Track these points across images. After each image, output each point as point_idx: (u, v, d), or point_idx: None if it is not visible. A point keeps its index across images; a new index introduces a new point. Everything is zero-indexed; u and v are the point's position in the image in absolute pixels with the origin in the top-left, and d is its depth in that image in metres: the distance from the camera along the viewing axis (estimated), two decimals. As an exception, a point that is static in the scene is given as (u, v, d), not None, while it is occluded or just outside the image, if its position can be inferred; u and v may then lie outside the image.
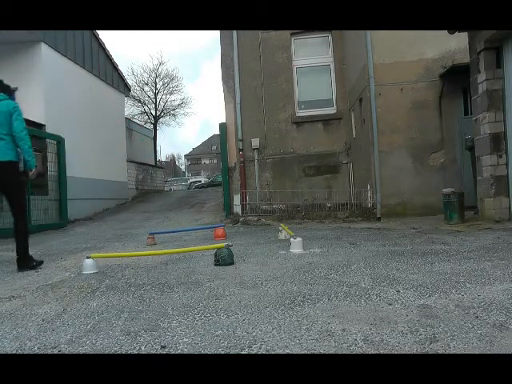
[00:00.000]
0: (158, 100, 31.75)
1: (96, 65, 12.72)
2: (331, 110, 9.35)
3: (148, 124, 30.45)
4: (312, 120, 9.25)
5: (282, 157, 9.27)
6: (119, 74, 14.63)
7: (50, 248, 5.65)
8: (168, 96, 32.32)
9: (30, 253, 4.04)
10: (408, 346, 1.57)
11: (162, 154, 54.16)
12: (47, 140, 9.36)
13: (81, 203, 10.87)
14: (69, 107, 10.62)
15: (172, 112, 33.28)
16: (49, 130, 9.61)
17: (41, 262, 4.04)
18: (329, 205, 8.55)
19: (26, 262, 3.94)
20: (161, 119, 32.73)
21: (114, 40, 58.75)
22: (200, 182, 34.70)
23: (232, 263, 3.51)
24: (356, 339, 1.66)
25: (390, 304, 2.11)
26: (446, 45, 7.08)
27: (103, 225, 9.51)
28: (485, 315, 1.86)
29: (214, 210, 10.80)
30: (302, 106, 9.46)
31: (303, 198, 8.91)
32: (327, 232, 5.85)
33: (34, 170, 4.09)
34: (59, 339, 1.88)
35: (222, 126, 9.49)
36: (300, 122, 9.28)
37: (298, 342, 1.67)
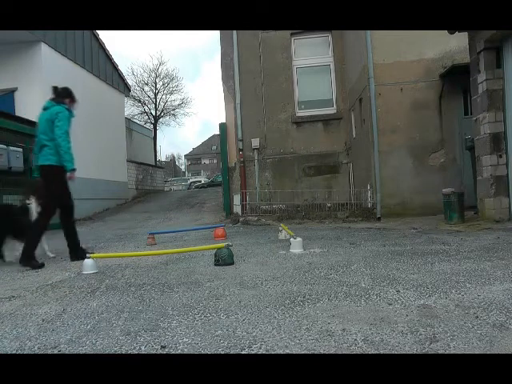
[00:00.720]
0: (158, 100, 31.78)
1: (96, 65, 12.72)
2: (331, 110, 9.35)
3: (148, 124, 30.47)
4: (312, 120, 9.24)
5: (282, 157, 9.27)
6: (119, 74, 14.63)
7: (50, 248, 5.63)
8: (168, 96, 32.36)
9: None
10: (408, 346, 1.57)
11: (162, 154, 54.13)
12: (47, 140, 9.35)
13: (81, 203, 10.84)
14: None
15: (172, 112, 33.31)
16: (49, 130, 9.60)
17: (42, 264, 4.08)
18: (329, 205, 8.55)
19: (29, 260, 4.02)
20: (161, 119, 32.75)
21: (114, 40, 58.73)
22: (200, 182, 34.71)
23: (232, 263, 3.51)
24: (356, 339, 1.65)
25: (390, 304, 2.11)
26: (446, 45, 7.08)
27: (103, 225, 9.51)
28: (485, 315, 1.86)
29: (214, 210, 10.80)
30: (302, 106, 9.45)
31: (303, 198, 8.91)
32: (327, 232, 5.84)
33: (71, 173, 4.33)
34: (59, 339, 1.88)
35: (222, 126, 9.49)
36: (300, 122, 9.28)
37: (297, 341, 1.67)
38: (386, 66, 7.24)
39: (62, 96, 4.43)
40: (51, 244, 4.92)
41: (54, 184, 4.31)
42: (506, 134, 5.47)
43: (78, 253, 4.37)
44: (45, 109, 4.35)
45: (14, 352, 1.76)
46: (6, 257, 4.50)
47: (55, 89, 4.43)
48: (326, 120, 9.24)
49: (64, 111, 4.31)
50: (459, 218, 5.80)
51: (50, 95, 4.46)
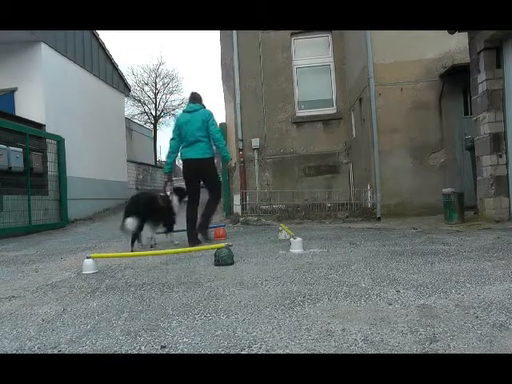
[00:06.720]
0: (158, 100, 31.72)
1: (96, 65, 12.71)
2: (331, 110, 9.35)
3: (148, 124, 30.42)
4: (312, 120, 9.24)
5: (281, 157, 9.27)
6: (119, 73, 14.62)
7: (50, 248, 5.64)
8: (168, 96, 32.29)
9: (31, 252, 4.06)
10: (408, 345, 1.57)
11: (162, 154, 54.02)
12: (47, 140, 9.36)
13: (81, 203, 10.86)
14: (69, 107, 10.61)
15: (172, 112, 33.25)
16: (49, 130, 9.60)
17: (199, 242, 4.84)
18: (329, 205, 8.54)
19: (203, 232, 4.98)
20: (161, 119, 32.72)
21: (114, 40, 58.58)
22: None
23: (232, 263, 3.51)
24: (356, 339, 1.65)
25: (390, 304, 2.11)
26: (446, 45, 7.07)
27: (103, 225, 9.51)
28: (485, 315, 1.86)
29: (214, 210, 10.76)
30: (302, 106, 9.45)
31: (303, 198, 8.91)
32: (327, 232, 5.84)
33: (229, 162, 5.25)
34: (59, 339, 1.88)
35: (222, 126, 9.49)
36: (300, 122, 9.27)
37: (297, 341, 1.67)
38: (385, 66, 7.24)
39: (199, 100, 5.14)
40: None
41: (215, 172, 5.16)
42: (506, 134, 5.47)
43: (203, 235, 4.99)
44: (190, 111, 5.01)
45: (14, 352, 1.76)
46: (142, 240, 4.89)
47: (193, 94, 5.20)
48: (325, 120, 9.23)
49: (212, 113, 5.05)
50: (459, 218, 5.80)
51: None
